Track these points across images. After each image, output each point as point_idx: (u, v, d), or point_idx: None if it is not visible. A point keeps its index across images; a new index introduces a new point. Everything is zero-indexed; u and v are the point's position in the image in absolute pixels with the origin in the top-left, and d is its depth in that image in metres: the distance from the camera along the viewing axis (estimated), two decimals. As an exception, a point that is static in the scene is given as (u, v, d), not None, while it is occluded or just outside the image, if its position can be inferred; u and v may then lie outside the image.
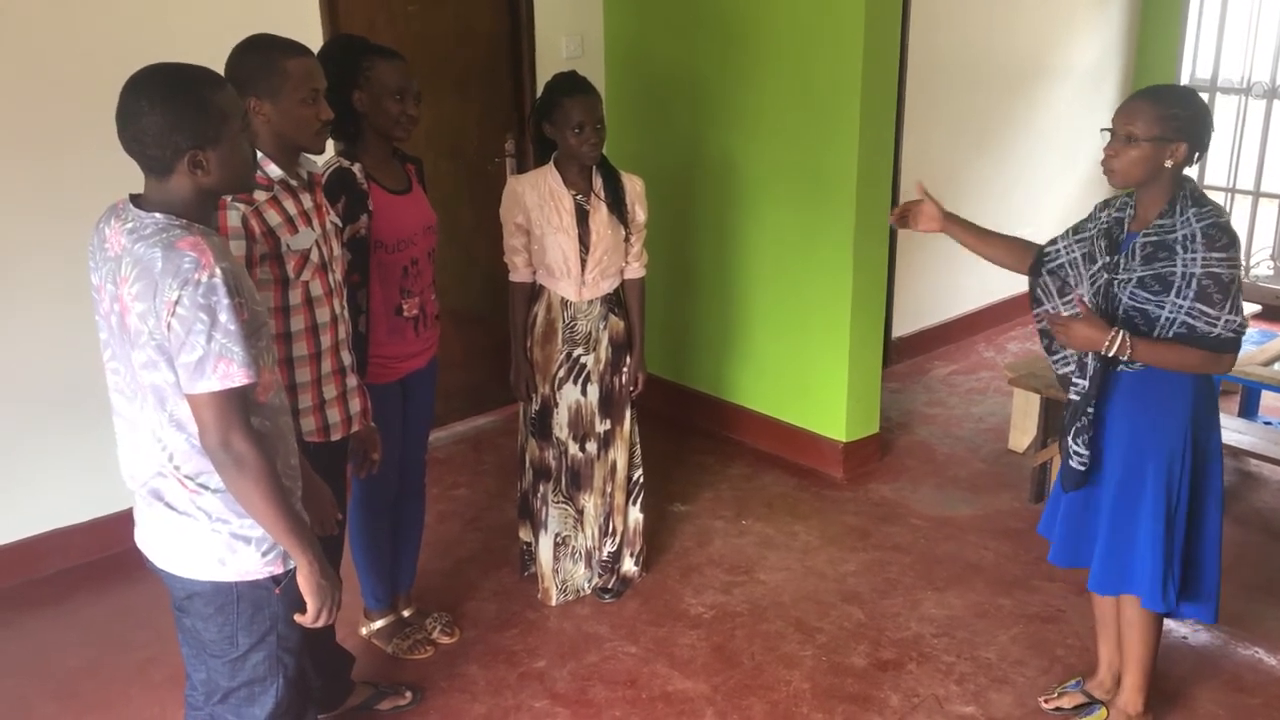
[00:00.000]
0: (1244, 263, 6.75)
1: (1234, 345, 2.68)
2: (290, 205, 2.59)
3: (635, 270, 3.64)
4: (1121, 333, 2.66)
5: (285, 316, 2.60)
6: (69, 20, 3.66)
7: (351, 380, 2.82)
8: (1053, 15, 6.28)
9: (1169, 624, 3.56)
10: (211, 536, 2.14)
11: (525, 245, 3.50)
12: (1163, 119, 2.62)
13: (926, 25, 5.49)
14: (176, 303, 1.93)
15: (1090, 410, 2.83)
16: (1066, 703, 3.23)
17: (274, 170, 2.58)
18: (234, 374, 1.98)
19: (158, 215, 2.01)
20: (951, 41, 5.69)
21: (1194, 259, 2.61)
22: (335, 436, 2.79)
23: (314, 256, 2.62)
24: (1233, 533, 4.15)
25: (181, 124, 1.97)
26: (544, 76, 4.90)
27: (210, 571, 2.16)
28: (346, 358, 2.79)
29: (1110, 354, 2.68)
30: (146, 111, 1.96)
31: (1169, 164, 2.65)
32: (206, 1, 3.88)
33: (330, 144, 3.06)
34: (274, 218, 2.54)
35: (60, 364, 3.84)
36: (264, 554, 2.18)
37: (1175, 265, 2.63)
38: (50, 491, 3.94)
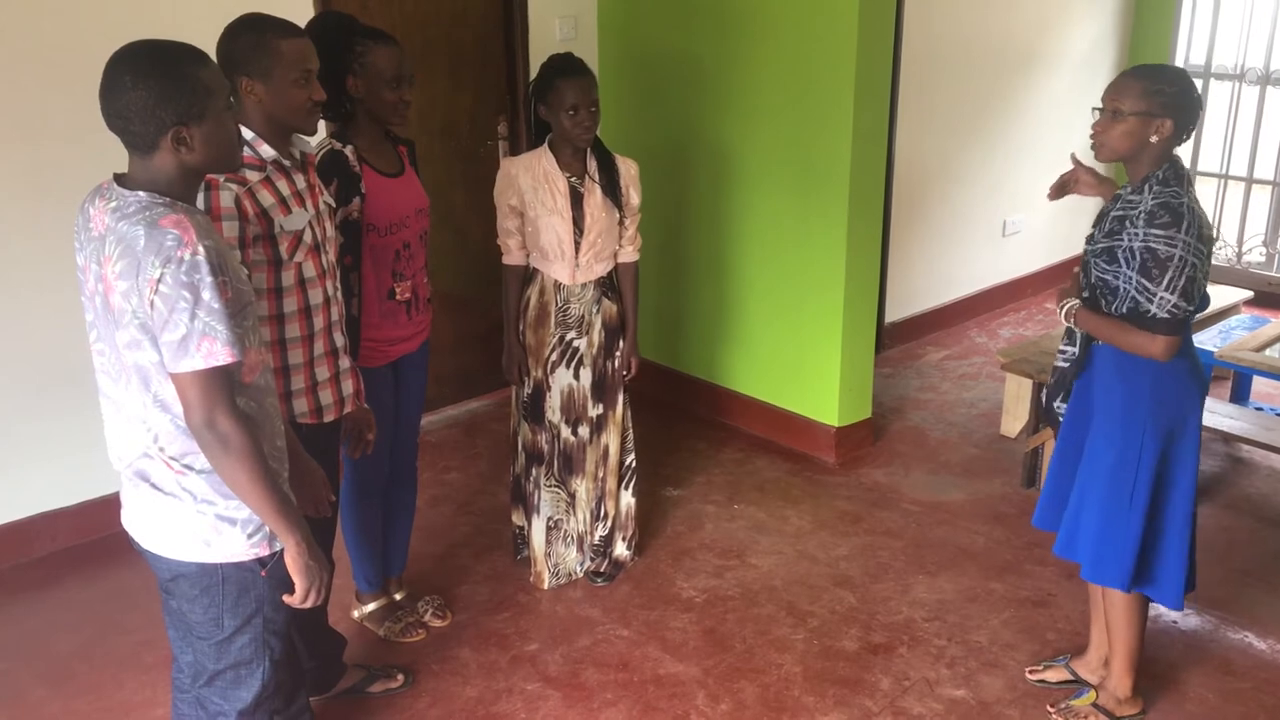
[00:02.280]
0: (1236, 249, 6.76)
1: (1169, 328, 2.67)
2: (283, 186, 2.58)
3: (629, 254, 3.63)
4: (1073, 302, 2.86)
5: (278, 298, 2.59)
6: (59, 6, 3.63)
7: (344, 362, 2.81)
8: (1048, 2, 6.26)
9: (1159, 609, 3.58)
10: (197, 518, 2.14)
11: (518, 228, 3.48)
12: (1149, 94, 2.67)
13: (921, 10, 5.48)
14: (159, 281, 1.92)
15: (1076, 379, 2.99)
16: (1051, 676, 3.27)
17: (267, 151, 2.56)
18: (218, 352, 1.97)
19: (141, 193, 2.00)
20: (946, 26, 5.68)
21: (1136, 234, 2.67)
22: (328, 418, 2.78)
23: (307, 238, 2.60)
24: (1223, 518, 4.18)
25: (165, 99, 1.96)
26: (537, 59, 4.86)
27: (195, 553, 2.16)
28: (339, 339, 2.78)
29: (1062, 318, 2.89)
30: (130, 87, 1.95)
31: (1154, 139, 2.70)
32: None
33: (321, 124, 3.05)
34: (267, 198, 2.52)
35: (49, 346, 3.82)
36: (249, 536, 2.18)
37: (1123, 239, 2.70)
38: (41, 474, 3.93)
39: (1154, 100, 2.67)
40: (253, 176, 2.51)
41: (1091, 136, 2.78)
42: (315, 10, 4.13)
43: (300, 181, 2.63)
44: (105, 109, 1.99)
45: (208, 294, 1.94)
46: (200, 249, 1.94)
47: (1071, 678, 3.25)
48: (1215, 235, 6.82)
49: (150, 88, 1.95)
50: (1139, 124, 2.68)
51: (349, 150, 2.98)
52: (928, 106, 5.67)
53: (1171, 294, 2.63)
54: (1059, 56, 6.43)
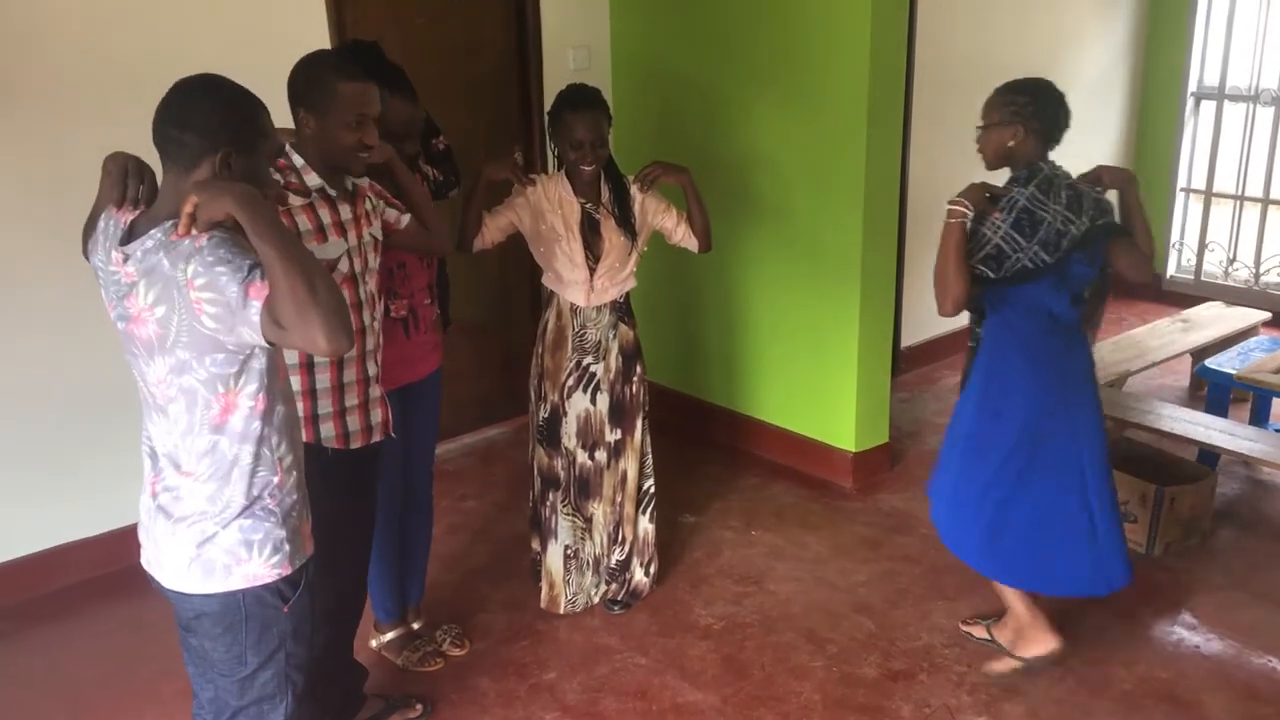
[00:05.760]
0: (1254, 270, 6.74)
1: (1017, 278, 2.98)
2: (325, 214, 2.64)
3: (694, 240, 3.64)
4: (963, 206, 3.01)
5: None
6: (78, 30, 3.67)
7: (375, 390, 2.84)
8: (1060, 24, 6.28)
9: (1181, 634, 3.59)
10: (214, 546, 2.16)
11: (501, 228, 3.46)
12: (1001, 105, 3.03)
13: (933, 34, 5.50)
14: (193, 275, 1.96)
15: None
16: (978, 632, 3.55)
17: (312, 179, 2.64)
18: (266, 288, 1.96)
19: (155, 232, 2.03)
20: (958, 51, 5.69)
21: (1021, 193, 2.99)
22: (355, 444, 2.80)
23: (343, 267, 2.66)
24: (1244, 541, 4.15)
25: (228, 122, 2.05)
26: (551, 88, 4.91)
27: (217, 583, 2.17)
28: (372, 369, 2.82)
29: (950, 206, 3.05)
30: (201, 101, 2.05)
31: (1011, 144, 3.03)
32: (216, 15, 3.89)
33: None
34: (304, 223, 2.59)
35: (68, 379, 3.86)
36: (269, 558, 2.20)
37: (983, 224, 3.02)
38: (61, 506, 3.95)
39: (1005, 110, 3.02)
40: (295, 200, 2.59)
41: None
42: (330, 34, 4.17)
43: (345, 212, 2.69)
44: (165, 118, 2.05)
45: (238, 258, 1.98)
46: (214, 235, 1.98)
47: (989, 639, 3.49)
48: (1231, 256, 6.82)
49: (218, 108, 2.05)
50: (995, 133, 3.05)
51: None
52: (941, 129, 5.68)
53: (1043, 250, 2.96)
54: (1072, 79, 6.42)
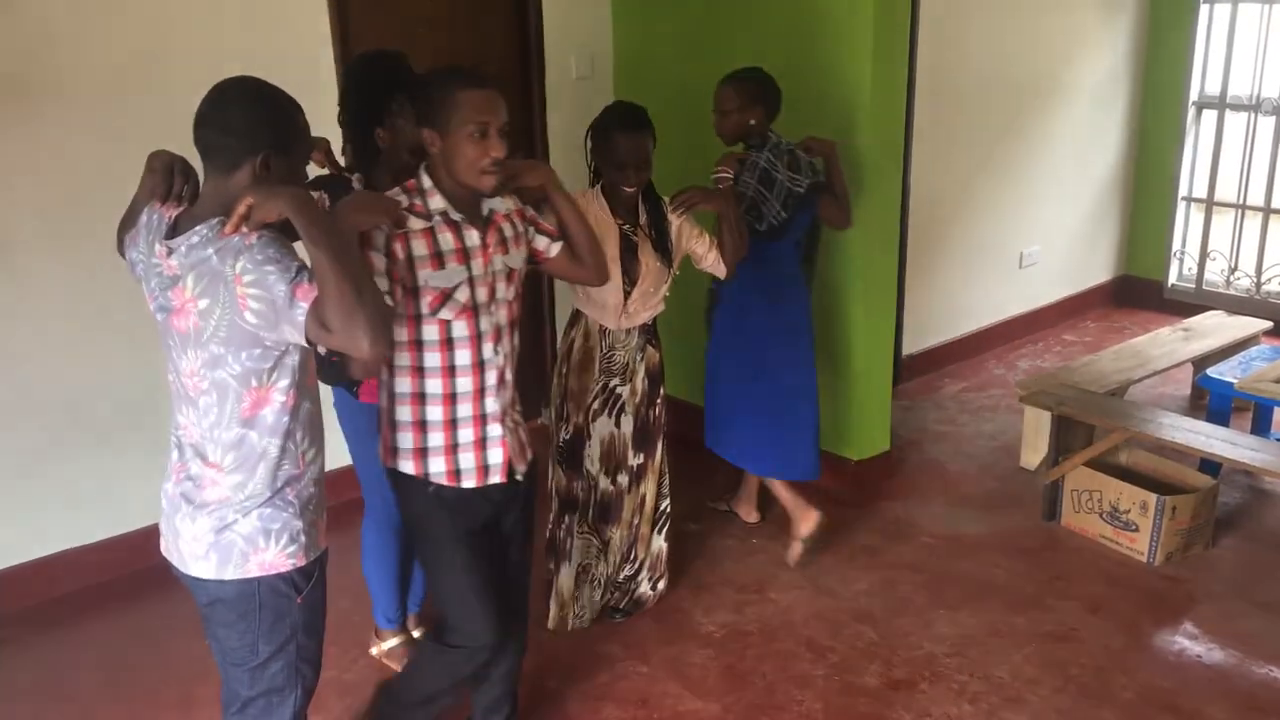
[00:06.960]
0: (1255, 279, 6.74)
1: (767, 235, 3.76)
2: (446, 240, 2.52)
3: (723, 268, 3.57)
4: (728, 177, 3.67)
5: (419, 351, 2.53)
6: (84, 33, 3.68)
7: (494, 429, 2.66)
8: (1062, 33, 6.29)
9: (1183, 644, 3.61)
10: (232, 532, 2.20)
11: None
12: (738, 94, 3.75)
13: (935, 44, 5.50)
14: (241, 271, 2.00)
15: None
16: (720, 507, 4.45)
17: (435, 203, 2.51)
18: (314, 290, 2.02)
19: (200, 227, 2.06)
20: (960, 59, 5.70)
21: (760, 156, 3.73)
22: (466, 483, 2.65)
23: (461, 296, 2.53)
24: (1245, 551, 4.15)
25: (270, 123, 2.10)
26: (554, 95, 4.94)
27: (234, 569, 2.20)
28: (492, 404, 2.64)
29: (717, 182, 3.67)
30: (242, 104, 2.09)
31: (753, 123, 3.74)
32: (216, 22, 3.90)
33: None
34: (420, 248, 2.49)
35: (71, 384, 3.85)
36: (285, 547, 2.23)
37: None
38: (63, 513, 3.94)
39: (743, 97, 3.73)
40: (415, 224, 2.49)
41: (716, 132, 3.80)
42: (335, 53, 4.16)
43: (472, 238, 2.56)
44: (206, 121, 2.10)
45: (286, 259, 2.03)
46: (263, 234, 2.04)
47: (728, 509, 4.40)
48: (1233, 265, 6.82)
49: (259, 111, 2.10)
50: (738, 116, 3.75)
51: (356, 178, 3.00)
52: (943, 139, 5.69)
53: (785, 213, 3.75)
54: (1073, 88, 6.44)
